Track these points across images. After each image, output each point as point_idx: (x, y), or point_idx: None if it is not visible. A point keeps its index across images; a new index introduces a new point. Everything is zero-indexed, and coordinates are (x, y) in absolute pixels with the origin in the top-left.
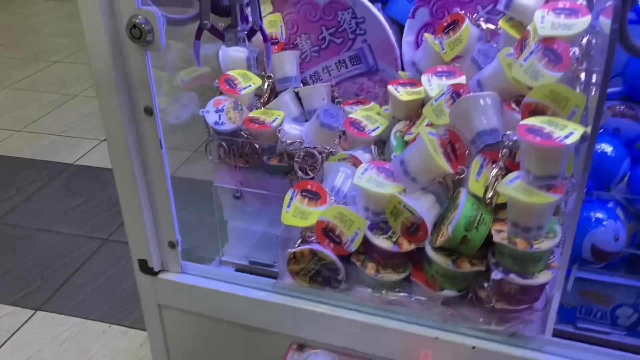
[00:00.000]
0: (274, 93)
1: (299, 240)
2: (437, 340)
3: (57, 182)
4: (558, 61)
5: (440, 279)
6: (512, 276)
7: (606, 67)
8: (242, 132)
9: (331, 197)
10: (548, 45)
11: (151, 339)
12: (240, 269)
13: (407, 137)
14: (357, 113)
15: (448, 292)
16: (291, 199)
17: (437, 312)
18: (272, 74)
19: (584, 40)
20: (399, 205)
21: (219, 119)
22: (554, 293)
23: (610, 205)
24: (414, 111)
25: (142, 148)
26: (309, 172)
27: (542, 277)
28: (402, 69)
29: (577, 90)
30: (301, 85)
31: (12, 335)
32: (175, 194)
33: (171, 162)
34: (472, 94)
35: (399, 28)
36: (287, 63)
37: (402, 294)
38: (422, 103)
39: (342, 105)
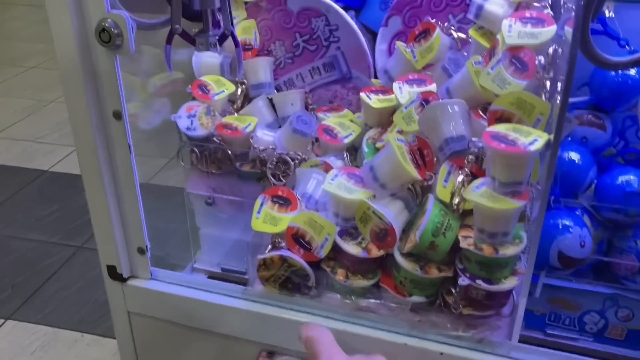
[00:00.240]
0: (247, 99)
1: (269, 247)
2: (405, 346)
3: (31, 188)
4: (524, 69)
5: (408, 285)
6: (479, 282)
7: (568, 75)
8: (215, 138)
9: (302, 203)
10: (515, 53)
11: (120, 346)
12: (212, 276)
13: (378, 144)
14: (330, 120)
15: (417, 298)
16: (262, 204)
17: (405, 318)
18: (245, 80)
19: (551, 49)
20: (368, 211)
21: (191, 124)
22: (520, 299)
23: (577, 212)
24: (386, 118)
25: (111, 153)
26: (282, 179)
27: (509, 283)
28: (375, 77)
29: (543, 98)
30: (275, 91)
31: None
32: (149, 200)
33: (146, 169)
34: (440, 101)
35: (372, 36)
36: (260, 69)
37: (371, 300)
38: (393, 110)
39: (315, 112)
